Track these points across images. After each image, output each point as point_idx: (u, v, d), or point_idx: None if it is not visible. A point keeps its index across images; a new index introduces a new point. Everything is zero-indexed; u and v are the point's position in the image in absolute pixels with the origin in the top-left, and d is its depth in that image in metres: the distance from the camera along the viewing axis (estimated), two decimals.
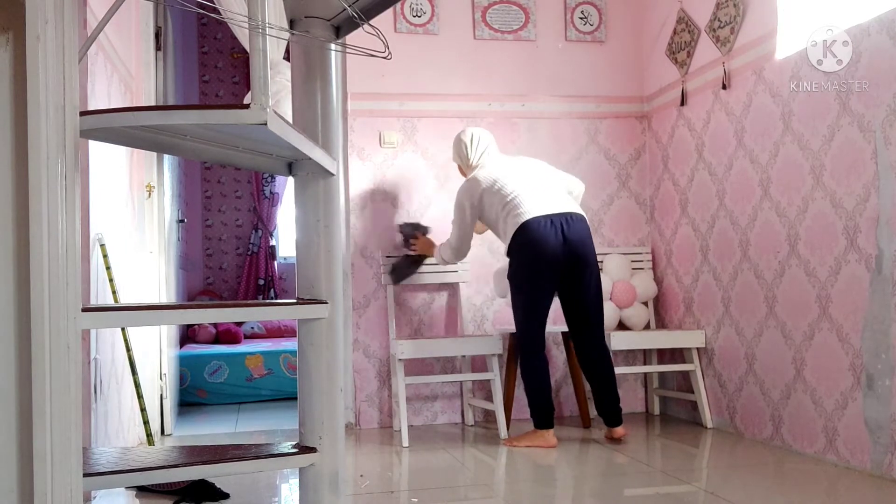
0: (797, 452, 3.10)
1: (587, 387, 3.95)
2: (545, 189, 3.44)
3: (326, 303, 1.63)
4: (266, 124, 1.26)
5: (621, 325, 4.08)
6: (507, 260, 3.47)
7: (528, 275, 3.35)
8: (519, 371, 3.48)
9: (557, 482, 2.98)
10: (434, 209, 4.08)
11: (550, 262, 3.31)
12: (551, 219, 3.32)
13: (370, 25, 1.67)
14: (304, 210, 1.67)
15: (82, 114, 1.27)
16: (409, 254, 3.88)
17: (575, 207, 3.43)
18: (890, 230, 2.64)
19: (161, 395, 3.73)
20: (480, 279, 4.07)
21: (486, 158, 3.57)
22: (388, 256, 3.96)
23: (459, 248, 3.62)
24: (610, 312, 3.95)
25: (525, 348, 3.40)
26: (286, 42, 2.73)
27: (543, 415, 3.38)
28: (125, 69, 3.27)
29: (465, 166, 3.65)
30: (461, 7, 4.16)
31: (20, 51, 1.14)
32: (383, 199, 4.05)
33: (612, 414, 3.43)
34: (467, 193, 3.51)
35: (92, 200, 2.56)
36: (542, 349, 3.41)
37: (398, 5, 4.05)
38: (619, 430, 3.43)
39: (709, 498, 2.54)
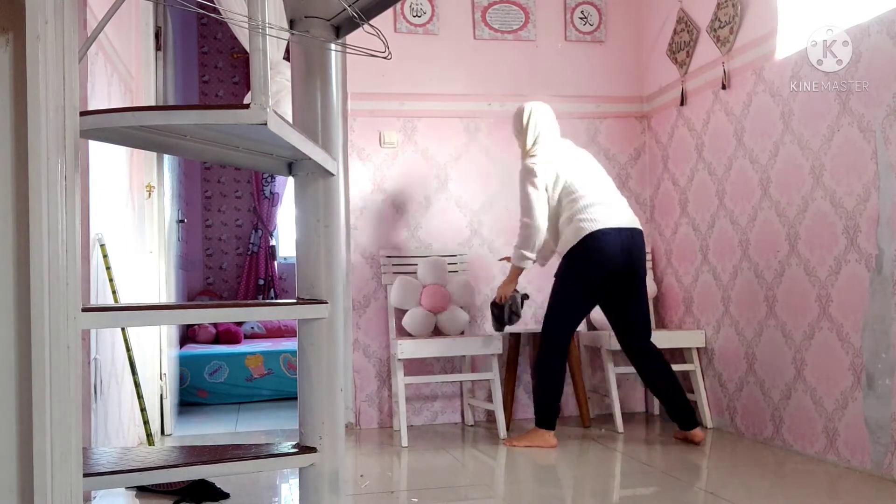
0: (797, 452, 3.10)
1: (588, 386, 3.95)
2: (614, 197, 3.42)
3: (326, 303, 1.62)
4: (266, 124, 1.26)
5: None
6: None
7: (584, 282, 3.33)
8: (533, 368, 3.44)
9: (557, 482, 2.98)
10: (434, 209, 4.08)
11: (611, 275, 3.31)
12: (620, 231, 3.31)
13: (370, 25, 1.67)
14: (304, 210, 1.67)
15: (82, 114, 1.27)
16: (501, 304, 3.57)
17: (637, 223, 3.41)
18: (890, 230, 2.64)
19: (161, 395, 3.73)
20: (480, 279, 4.07)
21: (545, 142, 3.46)
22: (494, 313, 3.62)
23: (535, 223, 3.35)
24: None
25: (551, 348, 3.38)
26: (286, 42, 2.73)
27: (549, 415, 3.38)
28: (125, 69, 3.27)
29: (521, 145, 3.54)
30: (461, 7, 4.16)
31: (20, 51, 1.14)
32: (383, 199, 4.05)
33: (686, 417, 3.36)
34: (542, 167, 3.37)
35: (92, 200, 2.56)
36: (567, 352, 3.42)
37: (398, 5, 4.04)
38: (697, 433, 3.33)
39: (709, 498, 2.54)
